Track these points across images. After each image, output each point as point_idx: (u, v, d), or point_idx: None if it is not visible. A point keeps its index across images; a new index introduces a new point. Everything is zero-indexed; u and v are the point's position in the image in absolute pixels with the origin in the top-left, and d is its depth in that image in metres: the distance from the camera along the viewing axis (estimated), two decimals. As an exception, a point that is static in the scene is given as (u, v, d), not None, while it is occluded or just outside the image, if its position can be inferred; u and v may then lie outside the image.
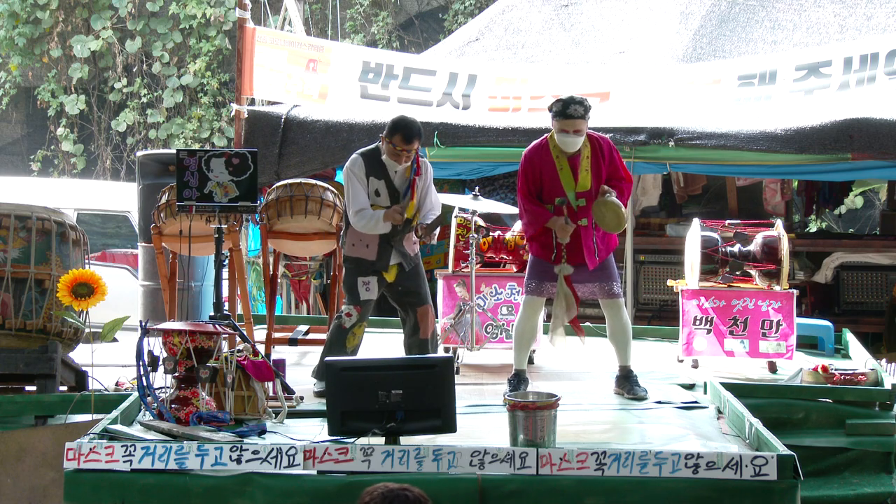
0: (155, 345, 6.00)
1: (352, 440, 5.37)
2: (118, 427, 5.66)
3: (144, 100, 19.80)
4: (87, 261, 7.35)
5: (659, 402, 6.83)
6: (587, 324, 8.76)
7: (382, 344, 8.40)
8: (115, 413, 5.83)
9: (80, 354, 7.31)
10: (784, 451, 5.24)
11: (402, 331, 7.40)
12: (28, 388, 7.08)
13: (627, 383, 7.04)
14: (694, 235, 8.15)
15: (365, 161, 7.12)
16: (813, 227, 15.67)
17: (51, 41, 19.78)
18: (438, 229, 7.24)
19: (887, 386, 7.24)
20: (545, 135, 7.10)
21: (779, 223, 8.22)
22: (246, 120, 10.13)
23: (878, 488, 6.97)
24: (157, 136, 19.65)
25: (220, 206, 7.11)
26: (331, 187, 8.22)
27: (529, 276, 7.17)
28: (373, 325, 9.20)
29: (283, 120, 10.13)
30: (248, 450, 5.24)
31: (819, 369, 7.45)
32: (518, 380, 7.14)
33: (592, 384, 7.41)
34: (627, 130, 9.60)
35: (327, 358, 5.88)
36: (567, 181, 6.96)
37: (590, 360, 8.10)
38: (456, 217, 8.27)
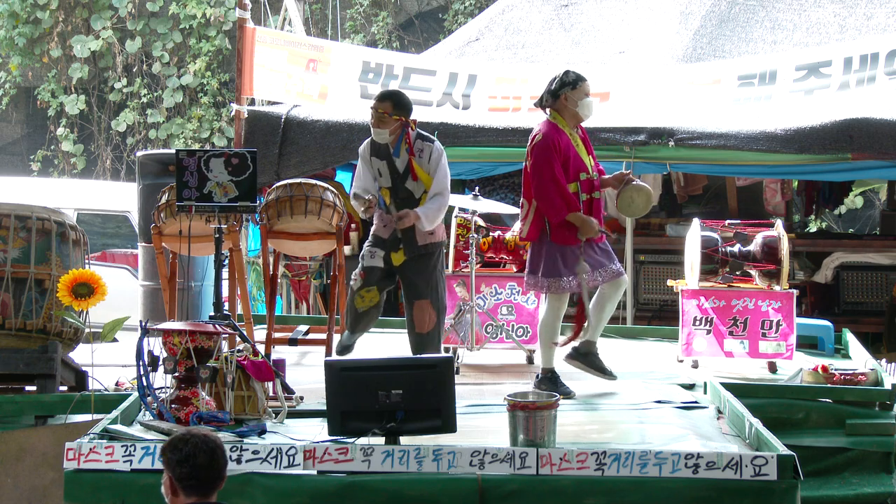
0: (155, 345, 5.99)
1: (352, 440, 5.36)
2: (118, 427, 5.66)
3: (144, 100, 19.79)
4: (87, 261, 7.35)
5: (659, 402, 6.82)
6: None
7: (382, 344, 8.40)
8: (115, 413, 5.83)
9: (80, 354, 7.31)
10: (784, 451, 5.24)
11: (402, 330, 7.42)
12: (28, 388, 7.07)
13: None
14: (694, 235, 8.14)
15: (371, 143, 7.37)
16: (813, 227, 15.66)
17: (51, 41, 19.77)
18: (410, 218, 7.15)
19: (887, 386, 7.23)
20: (543, 120, 7.05)
21: (779, 223, 8.21)
22: (246, 120, 10.13)
23: (878, 488, 6.96)
24: (157, 136, 19.64)
25: (220, 206, 7.12)
26: (331, 187, 8.20)
27: (559, 270, 6.83)
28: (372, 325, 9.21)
29: (283, 120, 10.13)
30: (248, 450, 5.24)
31: (819, 369, 7.44)
32: (553, 378, 6.94)
33: (593, 384, 7.40)
34: (627, 130, 9.60)
35: (326, 359, 5.88)
36: (584, 156, 7.00)
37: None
38: (456, 217, 8.27)
